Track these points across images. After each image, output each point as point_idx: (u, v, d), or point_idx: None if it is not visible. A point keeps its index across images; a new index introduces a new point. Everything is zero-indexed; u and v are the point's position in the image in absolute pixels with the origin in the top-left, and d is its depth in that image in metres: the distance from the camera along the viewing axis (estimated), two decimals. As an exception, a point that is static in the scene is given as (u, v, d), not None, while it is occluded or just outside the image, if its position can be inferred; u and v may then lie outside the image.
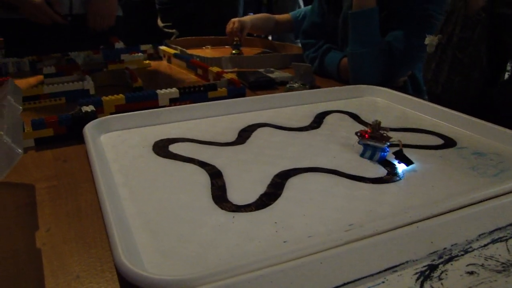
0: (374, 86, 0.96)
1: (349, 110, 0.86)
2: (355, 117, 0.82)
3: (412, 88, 1.25)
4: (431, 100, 0.95)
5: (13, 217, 0.53)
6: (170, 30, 2.14)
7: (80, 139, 0.70)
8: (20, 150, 0.39)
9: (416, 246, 0.41)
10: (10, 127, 0.43)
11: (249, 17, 1.74)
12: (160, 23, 2.19)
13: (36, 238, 0.48)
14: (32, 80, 1.25)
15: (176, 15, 2.13)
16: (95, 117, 0.76)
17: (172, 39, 1.98)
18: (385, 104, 0.91)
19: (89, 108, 0.79)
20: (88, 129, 0.70)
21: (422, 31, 1.06)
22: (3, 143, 0.38)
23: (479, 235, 0.45)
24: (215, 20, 1.95)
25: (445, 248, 0.42)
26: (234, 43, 1.62)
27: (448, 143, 0.70)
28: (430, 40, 0.91)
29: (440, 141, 0.71)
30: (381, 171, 0.60)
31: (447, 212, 0.45)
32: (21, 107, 0.54)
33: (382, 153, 0.63)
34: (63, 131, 0.76)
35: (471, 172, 0.59)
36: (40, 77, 1.21)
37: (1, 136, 0.38)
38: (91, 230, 0.49)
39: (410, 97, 0.88)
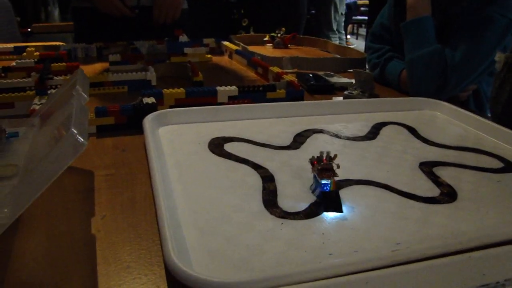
0: (435, 100, 0.93)
1: (407, 123, 0.84)
2: (412, 130, 0.81)
3: (475, 104, 1.20)
4: (493, 119, 0.92)
5: (72, 202, 0.55)
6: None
7: (139, 129, 0.72)
8: (85, 141, 0.41)
9: (467, 277, 0.40)
10: (77, 117, 0.45)
11: None
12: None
13: (91, 224, 0.50)
14: (99, 66, 1.30)
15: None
16: (155, 109, 0.78)
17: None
18: (444, 120, 0.88)
19: (150, 100, 0.82)
20: (148, 121, 0.72)
21: (480, 36, 1.02)
22: (70, 135, 0.39)
23: (535, 271, 0.43)
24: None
25: (497, 282, 0.41)
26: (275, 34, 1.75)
27: (508, 167, 0.67)
28: (498, 57, 0.88)
29: (500, 164, 0.68)
30: (435, 191, 0.58)
31: (501, 243, 0.44)
32: (87, 97, 0.56)
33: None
34: (124, 120, 0.78)
35: (530, 201, 0.57)
36: (106, 64, 1.25)
37: (69, 127, 0.40)
38: (144, 222, 0.51)
39: (471, 114, 0.85)
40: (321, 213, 0.51)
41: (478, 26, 1.03)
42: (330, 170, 0.53)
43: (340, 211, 0.52)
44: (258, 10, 2.21)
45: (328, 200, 0.53)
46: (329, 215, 0.51)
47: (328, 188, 0.53)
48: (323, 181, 0.53)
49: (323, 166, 0.53)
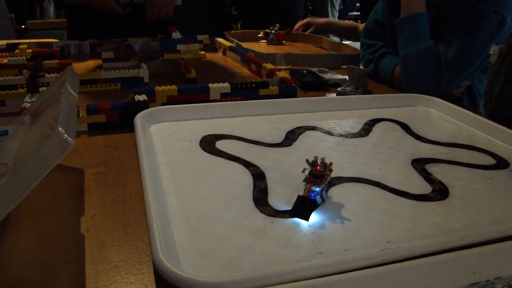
0: (428, 96, 0.93)
1: (400, 120, 0.84)
2: (405, 127, 0.80)
3: (468, 101, 1.20)
4: (486, 113, 0.91)
5: (62, 200, 0.55)
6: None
7: (131, 127, 0.72)
8: (72, 141, 0.40)
9: (457, 275, 0.40)
10: (65, 116, 0.45)
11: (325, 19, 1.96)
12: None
13: (81, 223, 0.50)
14: (92, 63, 1.29)
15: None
16: (147, 107, 0.78)
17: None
18: (438, 116, 0.88)
19: (142, 97, 0.81)
20: (139, 119, 0.72)
21: (473, 33, 1.01)
22: (57, 134, 0.39)
23: (526, 270, 0.43)
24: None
25: (487, 281, 0.40)
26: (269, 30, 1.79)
27: (501, 163, 0.67)
28: (492, 50, 0.88)
29: (492, 161, 0.68)
30: (427, 188, 0.58)
31: (492, 241, 0.44)
32: (76, 95, 0.55)
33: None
34: (115, 118, 0.78)
35: (522, 198, 0.57)
36: (99, 61, 1.25)
37: (56, 126, 0.40)
38: (133, 221, 0.51)
39: (465, 110, 0.85)
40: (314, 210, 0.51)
41: (471, 23, 1.03)
42: (317, 177, 0.52)
43: (306, 219, 0.50)
44: (256, 10, 2.22)
45: (299, 204, 0.51)
46: (320, 214, 0.51)
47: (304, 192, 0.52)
48: (305, 185, 0.52)
49: (312, 171, 0.52)
